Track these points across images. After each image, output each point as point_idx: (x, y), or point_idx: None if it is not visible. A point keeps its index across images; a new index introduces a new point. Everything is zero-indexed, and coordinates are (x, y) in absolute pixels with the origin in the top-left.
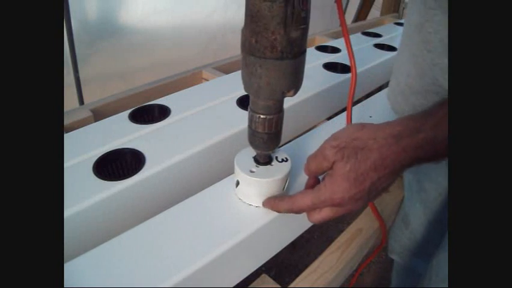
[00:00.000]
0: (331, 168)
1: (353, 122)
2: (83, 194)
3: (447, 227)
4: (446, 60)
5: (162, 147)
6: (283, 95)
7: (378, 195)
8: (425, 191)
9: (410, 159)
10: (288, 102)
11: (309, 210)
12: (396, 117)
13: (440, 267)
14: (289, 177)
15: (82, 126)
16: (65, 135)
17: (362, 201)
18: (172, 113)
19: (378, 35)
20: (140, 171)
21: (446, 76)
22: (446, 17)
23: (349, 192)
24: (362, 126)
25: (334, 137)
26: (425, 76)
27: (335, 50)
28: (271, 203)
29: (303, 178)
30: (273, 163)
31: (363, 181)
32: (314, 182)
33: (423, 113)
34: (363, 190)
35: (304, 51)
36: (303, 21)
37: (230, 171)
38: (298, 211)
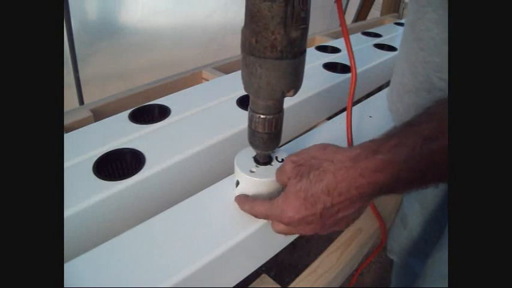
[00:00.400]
0: (287, 184)
1: (353, 123)
2: (83, 194)
3: (444, 227)
4: (437, 59)
5: (162, 147)
6: (283, 95)
7: (340, 224)
8: (423, 192)
9: (369, 186)
10: (288, 102)
11: (265, 219)
12: (392, 116)
13: (434, 267)
14: None
15: (82, 126)
16: (65, 135)
17: (316, 226)
18: (172, 113)
19: (378, 35)
20: (140, 171)
21: (438, 74)
22: (437, 15)
23: (298, 213)
24: (325, 146)
25: (297, 152)
26: (418, 74)
27: (335, 50)
28: (239, 200)
29: None
30: (273, 163)
31: (314, 203)
32: None
33: (384, 135)
34: (314, 214)
35: (304, 51)
36: (303, 21)
37: (230, 171)
38: (256, 216)
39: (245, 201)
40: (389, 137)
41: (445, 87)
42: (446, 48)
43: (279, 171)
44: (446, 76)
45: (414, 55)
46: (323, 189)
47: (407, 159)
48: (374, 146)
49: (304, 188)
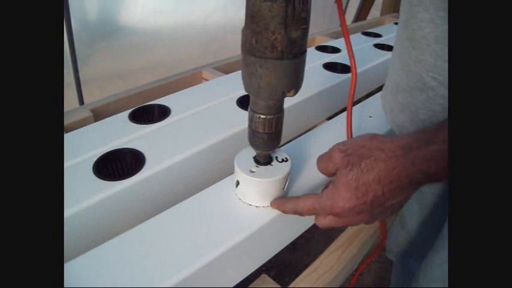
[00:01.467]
0: (335, 173)
1: (353, 123)
2: (83, 194)
3: (441, 229)
4: (429, 58)
5: (162, 147)
6: (284, 95)
7: (386, 213)
8: (422, 193)
9: (420, 174)
10: (288, 102)
11: (312, 214)
12: (386, 116)
13: (427, 268)
14: (289, 177)
15: (82, 126)
16: (65, 135)
17: (365, 216)
18: (172, 113)
19: (378, 35)
20: (140, 171)
21: (430, 73)
22: (428, 14)
23: (349, 203)
24: (373, 136)
25: (344, 142)
26: (410, 73)
27: (335, 50)
28: (278, 203)
29: (303, 178)
30: (273, 163)
31: (365, 193)
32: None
33: (436, 125)
34: (364, 203)
35: (305, 51)
36: (303, 21)
37: (230, 171)
38: (301, 213)
39: (285, 201)
40: (441, 128)
41: (437, 87)
42: (437, 47)
43: (325, 159)
44: (438, 75)
45: (407, 54)
46: (374, 178)
47: None
48: (427, 136)
49: (356, 177)
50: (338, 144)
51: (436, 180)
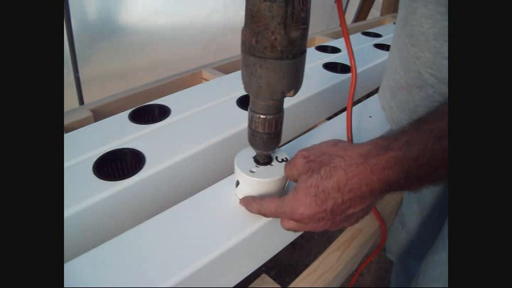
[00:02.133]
0: (297, 179)
1: (353, 123)
2: (83, 194)
3: (441, 228)
4: (428, 54)
5: (162, 147)
6: (283, 95)
7: (349, 220)
8: (422, 192)
9: (379, 183)
10: (288, 102)
11: (274, 217)
12: (385, 115)
13: (427, 268)
14: None
15: (82, 126)
16: (65, 135)
17: (326, 223)
18: (172, 113)
19: (378, 35)
20: (140, 171)
21: (429, 70)
22: (427, 10)
23: (308, 209)
24: (336, 142)
25: (308, 148)
26: (410, 70)
27: (335, 50)
28: (245, 202)
29: None
30: (273, 163)
31: (324, 200)
32: None
33: (395, 132)
34: (324, 210)
35: (305, 51)
36: (303, 21)
37: (230, 171)
38: (265, 215)
39: (252, 201)
40: (400, 134)
41: (436, 84)
42: (436, 43)
43: (289, 166)
44: (436, 72)
45: (406, 51)
46: (334, 186)
47: (417, 157)
48: (385, 142)
49: (315, 183)
50: (301, 150)
51: (399, 188)
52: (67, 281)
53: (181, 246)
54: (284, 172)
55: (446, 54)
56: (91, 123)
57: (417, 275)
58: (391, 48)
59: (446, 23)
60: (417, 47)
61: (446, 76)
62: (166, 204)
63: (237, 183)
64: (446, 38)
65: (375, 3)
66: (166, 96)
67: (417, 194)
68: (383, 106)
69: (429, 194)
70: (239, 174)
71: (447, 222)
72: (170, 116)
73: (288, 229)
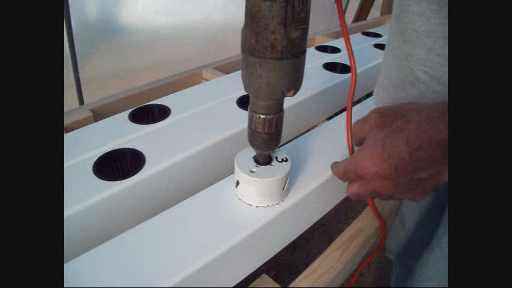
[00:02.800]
0: (365, 136)
1: (353, 121)
2: (83, 194)
3: (438, 228)
4: (420, 51)
5: (162, 147)
6: (283, 95)
7: (414, 190)
8: None
9: None
10: (288, 102)
11: (343, 178)
12: None
13: (423, 267)
14: (289, 177)
15: (82, 126)
16: (65, 135)
17: (389, 184)
18: (172, 113)
19: (378, 35)
20: (140, 171)
21: (422, 67)
22: (419, 7)
23: (374, 163)
24: (416, 102)
25: (386, 106)
26: (402, 68)
27: (335, 50)
28: (333, 166)
29: (303, 178)
30: (273, 163)
31: (390, 155)
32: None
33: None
34: (388, 166)
35: (305, 51)
36: (303, 21)
37: (230, 171)
38: (340, 178)
39: (335, 165)
40: None
41: (429, 81)
42: (429, 40)
43: (361, 122)
44: (429, 69)
45: (399, 48)
46: (403, 139)
47: None
48: None
49: (384, 137)
50: (377, 107)
51: None
52: (67, 281)
53: (181, 246)
54: (353, 129)
55: (439, 52)
56: (91, 123)
57: (414, 274)
58: (386, 46)
59: (439, 20)
60: (410, 44)
61: (439, 74)
62: (166, 204)
63: (237, 183)
64: (438, 35)
65: (375, 3)
66: (166, 96)
67: None
68: (377, 103)
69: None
70: (239, 174)
71: (442, 221)
72: (170, 116)
73: (353, 194)
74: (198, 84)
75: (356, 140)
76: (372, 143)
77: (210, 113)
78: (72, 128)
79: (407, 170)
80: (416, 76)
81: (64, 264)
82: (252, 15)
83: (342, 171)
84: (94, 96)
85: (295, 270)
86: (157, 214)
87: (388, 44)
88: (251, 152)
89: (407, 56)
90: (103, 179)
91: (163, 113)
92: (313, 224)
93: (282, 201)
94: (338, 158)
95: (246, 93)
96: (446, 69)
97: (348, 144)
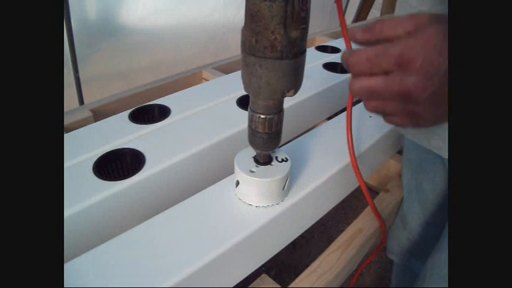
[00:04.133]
0: (405, 35)
1: (353, 123)
2: (83, 194)
3: (444, 228)
4: None
5: (162, 147)
6: (283, 95)
7: (440, 101)
8: (424, 191)
9: None
10: (288, 102)
11: (364, 65)
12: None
13: (433, 268)
14: (289, 177)
15: (82, 126)
16: (65, 135)
17: (431, 85)
18: (172, 113)
19: None
20: (140, 171)
21: None
22: (424, 8)
23: (429, 53)
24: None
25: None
26: None
27: (335, 50)
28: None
29: (303, 178)
30: (273, 163)
31: (440, 52)
32: None
33: None
34: (443, 64)
35: (304, 51)
36: (303, 21)
37: (230, 171)
38: (352, 65)
39: (348, 50)
40: None
41: None
42: None
43: (393, 21)
44: None
45: None
46: (444, 38)
47: None
48: None
49: (445, 33)
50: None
51: None
52: (67, 281)
53: (181, 246)
54: (377, 25)
55: None
56: (91, 123)
57: (423, 275)
58: None
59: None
60: None
61: None
62: (166, 204)
63: (237, 183)
64: None
65: (375, 3)
66: (166, 96)
67: (419, 193)
68: None
69: (430, 193)
70: (239, 174)
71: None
72: (170, 116)
73: (369, 88)
74: (198, 84)
75: (373, 37)
76: (434, 32)
77: (210, 113)
78: (72, 128)
79: (441, 75)
80: None
81: (64, 264)
82: (251, 15)
83: (369, 56)
84: (94, 96)
85: (295, 270)
86: (157, 214)
87: None
88: (251, 152)
89: None
90: (103, 179)
91: (163, 113)
92: (313, 224)
93: (282, 201)
94: (338, 158)
95: (246, 93)
96: None
97: (348, 144)
